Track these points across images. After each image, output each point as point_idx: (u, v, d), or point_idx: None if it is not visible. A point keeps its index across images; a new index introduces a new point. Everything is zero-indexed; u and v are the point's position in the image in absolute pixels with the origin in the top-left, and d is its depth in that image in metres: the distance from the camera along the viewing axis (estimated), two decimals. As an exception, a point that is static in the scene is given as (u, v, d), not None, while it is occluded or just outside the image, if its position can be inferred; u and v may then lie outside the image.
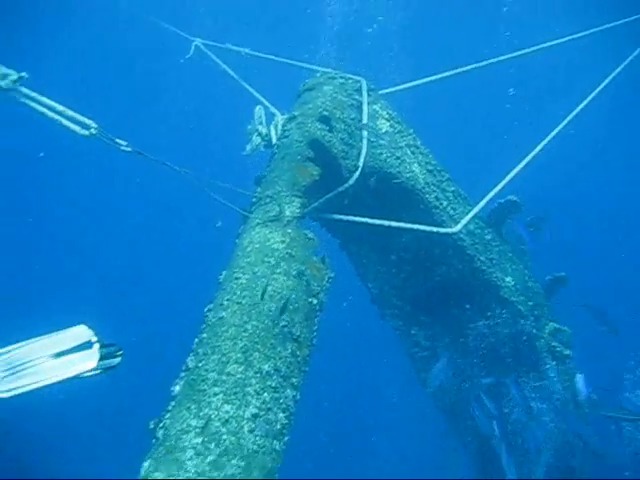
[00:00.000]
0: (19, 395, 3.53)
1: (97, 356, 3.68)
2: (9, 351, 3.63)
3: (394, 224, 5.61)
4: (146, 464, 3.50)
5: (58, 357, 3.60)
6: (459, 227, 5.90)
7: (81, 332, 3.76)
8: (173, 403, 3.81)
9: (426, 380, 6.85)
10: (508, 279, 6.48)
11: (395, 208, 5.97)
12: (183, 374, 3.96)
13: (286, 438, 3.88)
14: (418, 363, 7.04)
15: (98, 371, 4.00)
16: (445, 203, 6.23)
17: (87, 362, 3.65)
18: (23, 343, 3.64)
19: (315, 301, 4.52)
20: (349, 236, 6.48)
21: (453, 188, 6.39)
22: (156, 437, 3.65)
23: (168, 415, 3.74)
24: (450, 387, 6.81)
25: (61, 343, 3.65)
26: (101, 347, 3.85)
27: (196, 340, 4.15)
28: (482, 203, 6.02)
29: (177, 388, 3.89)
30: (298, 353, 4.16)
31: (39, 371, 3.55)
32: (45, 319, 3.93)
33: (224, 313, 4.19)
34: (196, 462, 3.44)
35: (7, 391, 3.50)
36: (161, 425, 3.70)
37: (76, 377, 3.80)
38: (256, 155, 6.06)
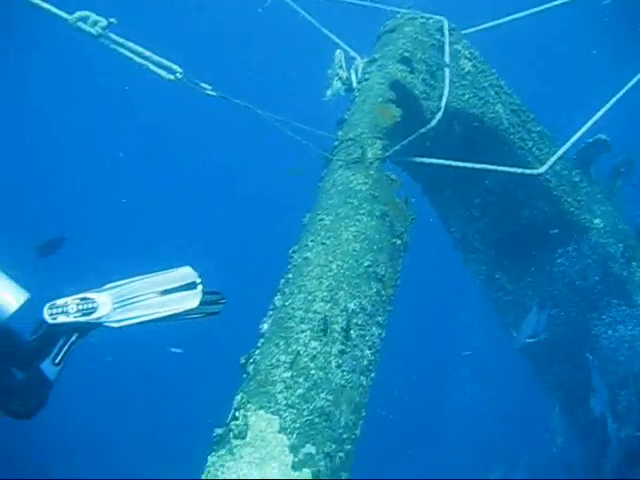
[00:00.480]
0: (127, 327, 3.75)
1: (200, 296, 3.85)
2: (119, 285, 3.86)
3: (477, 166, 5.52)
4: (238, 397, 3.63)
5: (164, 295, 3.79)
6: (545, 168, 5.76)
7: (186, 273, 3.94)
8: (262, 340, 3.92)
9: (515, 333, 6.77)
10: (597, 221, 6.31)
11: (478, 150, 5.87)
12: (271, 312, 4.07)
13: (372, 374, 3.94)
14: (502, 307, 6.99)
15: (200, 315, 4.19)
16: (530, 144, 6.08)
17: (190, 301, 3.84)
18: (132, 279, 3.86)
19: (399, 242, 4.53)
20: (431, 180, 6.42)
21: (539, 129, 6.22)
22: (246, 372, 3.78)
23: (257, 351, 3.86)
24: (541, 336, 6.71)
25: (167, 282, 3.85)
26: (204, 293, 4.03)
27: (282, 280, 4.24)
28: (569, 143, 5.86)
29: (265, 326, 4.00)
30: (383, 292, 4.20)
31: (146, 306, 3.77)
32: (150, 260, 4.10)
33: (309, 254, 4.25)
34: (286, 395, 3.55)
35: (117, 322, 3.74)
36: (251, 361, 3.82)
37: (180, 317, 4.00)
38: (337, 100, 6.05)
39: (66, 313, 3.77)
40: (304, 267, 4.18)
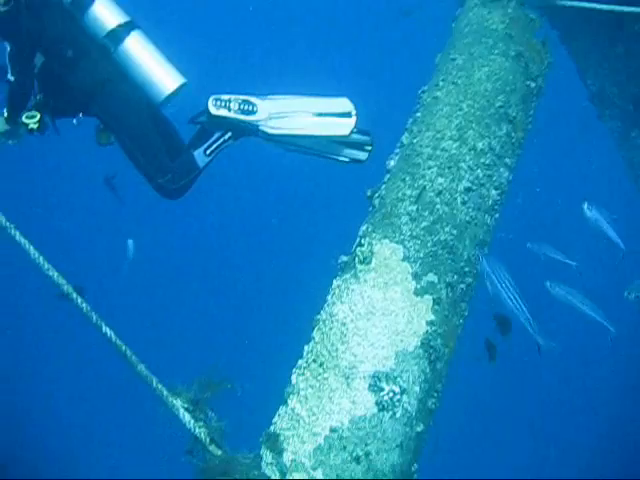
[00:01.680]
0: (279, 136, 3.96)
1: (352, 127, 3.98)
2: (280, 98, 4.05)
3: (626, 9, 5.13)
4: (364, 227, 3.77)
5: (318, 116, 3.95)
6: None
7: (344, 103, 4.07)
8: (388, 176, 3.99)
9: None
10: None
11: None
12: (397, 150, 4.10)
13: (497, 215, 3.96)
14: (637, 167, 6.69)
15: (345, 159, 4.33)
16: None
17: (342, 128, 3.99)
18: (293, 95, 4.03)
19: (533, 84, 4.37)
20: (571, 25, 6.02)
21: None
22: (372, 205, 3.89)
23: (383, 186, 3.95)
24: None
25: (324, 105, 4.01)
26: (357, 129, 4.16)
27: (410, 120, 4.23)
28: None
29: (392, 163, 4.05)
30: (513, 135, 4.12)
31: (300, 122, 3.96)
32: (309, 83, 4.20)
33: (439, 93, 4.19)
34: (411, 227, 3.64)
35: (271, 128, 3.97)
36: (377, 195, 3.92)
37: (327, 153, 4.17)
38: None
39: (228, 108, 4.05)
40: (433, 106, 4.15)
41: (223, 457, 2.75)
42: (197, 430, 2.86)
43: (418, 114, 4.19)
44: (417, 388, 3.22)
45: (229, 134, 4.14)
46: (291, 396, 3.22)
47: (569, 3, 5.23)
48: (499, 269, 3.66)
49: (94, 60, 4.15)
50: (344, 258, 3.69)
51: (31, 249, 2.99)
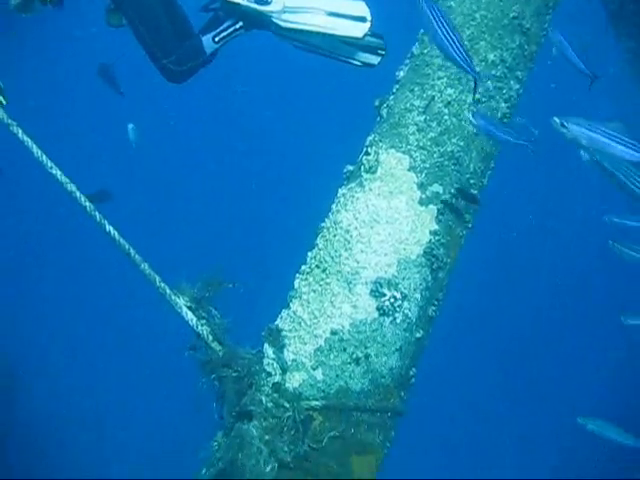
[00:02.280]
0: (291, 31, 3.90)
1: (365, 30, 3.92)
2: None
3: None
4: (370, 137, 3.73)
5: (332, 16, 3.89)
6: None
7: (360, 7, 4.00)
8: (397, 86, 3.93)
9: None
10: None
11: None
12: (407, 61, 4.02)
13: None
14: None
15: (357, 62, 4.27)
16: None
17: (355, 30, 3.94)
18: None
19: (549, -4, 4.25)
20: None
21: None
22: (380, 115, 3.84)
23: (392, 97, 3.89)
24: None
25: (340, 6, 3.93)
26: (370, 32, 4.09)
27: (421, 31, 4.13)
28: None
29: (401, 73, 3.98)
30: (526, 47, 4.01)
31: (314, 18, 3.90)
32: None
33: (452, 2, 4.07)
34: (418, 137, 3.61)
35: (283, 21, 3.93)
36: (385, 105, 3.86)
37: (339, 56, 4.11)
38: None
39: None
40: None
41: (224, 352, 2.81)
42: (199, 328, 2.91)
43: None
44: (418, 295, 3.26)
45: (240, 23, 4.09)
46: (293, 300, 3.27)
47: None
48: (435, 10, 3.50)
49: None
50: (350, 167, 3.68)
51: (34, 148, 2.99)
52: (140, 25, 4.11)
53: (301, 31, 3.96)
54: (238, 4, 4.02)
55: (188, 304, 2.95)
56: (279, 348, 2.97)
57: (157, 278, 2.98)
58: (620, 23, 6.25)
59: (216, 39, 4.16)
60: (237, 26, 4.12)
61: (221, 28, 4.13)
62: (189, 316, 2.91)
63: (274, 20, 4.02)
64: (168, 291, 2.97)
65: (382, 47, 4.27)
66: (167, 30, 4.13)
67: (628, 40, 6.31)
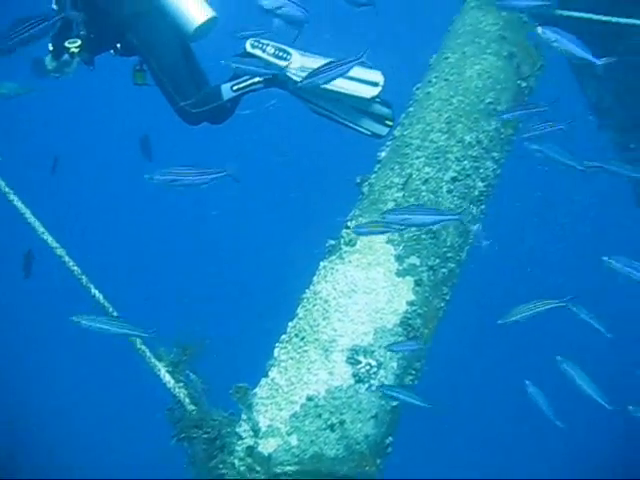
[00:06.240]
0: (305, 88, 4.10)
1: (375, 93, 4.17)
2: (314, 56, 4.37)
3: (622, 20, 5.27)
4: (352, 212, 3.89)
5: (347, 78, 4.18)
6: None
7: (375, 74, 4.27)
8: (378, 165, 4.12)
9: None
10: None
11: (623, 4, 5.55)
12: (389, 142, 4.23)
13: (483, 206, 4.06)
14: (636, 183, 6.79)
15: (366, 131, 4.48)
16: (684, -2, 5.65)
17: (366, 91, 4.19)
18: (328, 58, 4.20)
19: (524, 84, 4.49)
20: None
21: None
22: (362, 192, 4.01)
23: (374, 175, 4.07)
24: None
25: (355, 71, 4.21)
26: (381, 102, 4.33)
27: (402, 115, 4.36)
28: None
29: (383, 154, 4.18)
30: (502, 130, 4.22)
31: (327, 77, 4.11)
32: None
33: (431, 89, 4.32)
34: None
35: (298, 76, 4.22)
36: (367, 183, 4.04)
37: (350, 122, 4.33)
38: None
39: (263, 50, 4.35)
40: (425, 101, 4.27)
41: (197, 413, 2.86)
42: (177, 390, 2.97)
43: (411, 109, 4.32)
44: (394, 364, 3.32)
45: (260, 78, 4.37)
46: (272, 368, 3.33)
47: (566, 13, 5.37)
48: None
49: None
50: (332, 242, 3.81)
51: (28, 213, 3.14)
52: (162, 74, 4.44)
53: (316, 90, 4.19)
54: (258, 57, 4.32)
55: (167, 367, 3.02)
56: (251, 410, 3.01)
57: (138, 341, 3.07)
58: (602, 114, 6.52)
59: (234, 88, 4.45)
60: (256, 80, 4.40)
61: (241, 79, 4.41)
62: (167, 378, 2.98)
63: (290, 75, 4.27)
64: (148, 354, 3.05)
65: (390, 118, 4.49)
66: (186, 77, 4.48)
67: (610, 131, 6.56)
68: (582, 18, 5.32)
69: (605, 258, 3.64)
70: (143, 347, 3.03)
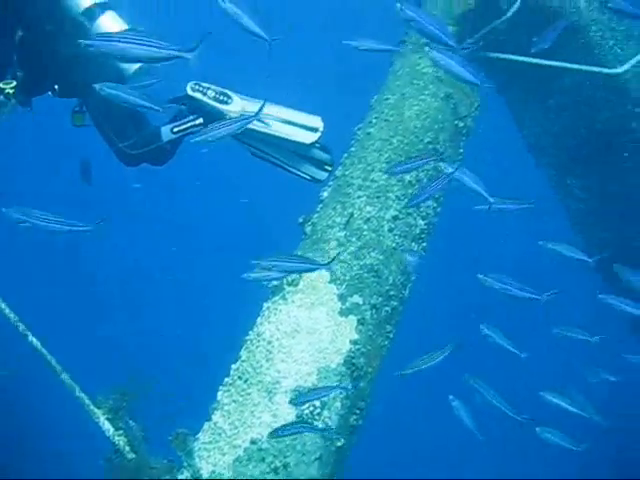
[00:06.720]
0: (248, 133, 4.10)
1: (314, 139, 4.18)
2: (256, 100, 4.31)
3: (553, 63, 5.48)
4: (295, 252, 3.90)
5: (286, 123, 4.15)
6: (625, 67, 5.64)
7: (315, 120, 4.28)
8: (321, 205, 4.15)
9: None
10: (676, 127, 6.13)
11: (556, 47, 5.76)
12: (331, 182, 4.28)
13: (424, 244, 4.12)
14: (573, 215, 6.97)
15: (305, 175, 4.49)
16: (611, 42, 5.92)
17: (304, 137, 4.20)
18: (269, 102, 4.20)
19: (461, 124, 4.62)
20: (505, 77, 6.35)
21: (623, 27, 6.03)
22: (304, 232, 4.04)
23: (316, 215, 4.10)
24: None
25: (295, 116, 4.22)
26: (320, 147, 4.35)
27: (344, 155, 4.42)
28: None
29: (325, 194, 4.22)
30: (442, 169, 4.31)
31: (267, 122, 4.14)
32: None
33: (371, 129, 4.41)
34: (338, 251, 3.79)
35: (236, 112, 4.17)
36: (309, 222, 4.06)
37: (288, 165, 4.34)
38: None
39: (204, 94, 4.30)
40: (366, 141, 4.35)
41: (134, 461, 2.79)
42: (116, 438, 2.90)
43: (352, 149, 4.39)
44: (338, 404, 3.31)
45: (201, 120, 4.34)
46: (215, 412, 3.28)
47: (502, 55, 5.56)
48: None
49: (71, 35, 4.35)
50: (275, 282, 3.80)
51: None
52: (100, 116, 4.39)
53: (255, 133, 4.19)
54: (199, 100, 4.30)
55: (106, 414, 2.95)
56: (192, 456, 2.96)
57: (77, 388, 2.99)
58: (539, 153, 6.71)
59: (174, 130, 4.41)
60: (197, 122, 4.38)
61: (182, 121, 4.39)
62: (106, 426, 2.91)
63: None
64: (87, 401, 2.97)
65: (330, 163, 4.52)
66: (125, 118, 4.41)
67: (548, 168, 6.76)
68: (514, 60, 5.54)
69: (480, 275, 3.68)
70: (82, 395, 2.95)
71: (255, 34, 3.52)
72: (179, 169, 5.08)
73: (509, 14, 5.31)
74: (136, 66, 4.46)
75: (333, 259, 3.58)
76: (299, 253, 3.87)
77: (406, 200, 4.02)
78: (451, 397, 4.88)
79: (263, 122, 4.16)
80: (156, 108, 3.57)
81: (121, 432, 2.91)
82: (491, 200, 3.56)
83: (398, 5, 3.40)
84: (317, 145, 4.33)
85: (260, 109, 3.46)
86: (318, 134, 4.30)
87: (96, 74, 4.37)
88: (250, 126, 4.16)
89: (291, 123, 4.23)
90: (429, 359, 3.67)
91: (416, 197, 3.57)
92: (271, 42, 3.30)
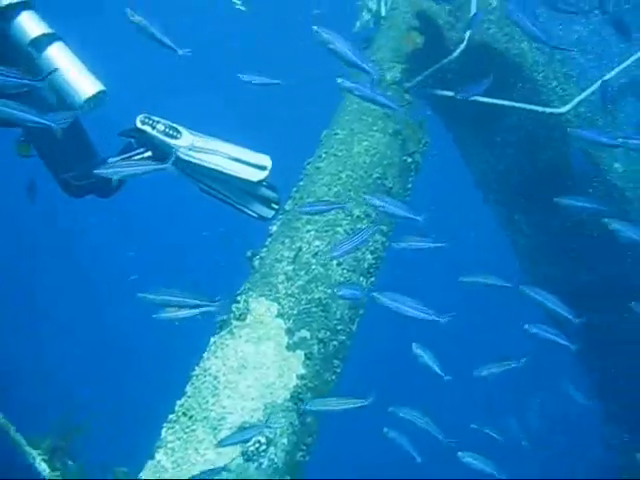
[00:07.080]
0: (192, 166, 4.15)
1: (261, 177, 4.18)
2: (206, 137, 4.24)
3: (498, 102, 5.61)
4: (243, 287, 3.86)
5: (234, 160, 4.17)
6: (568, 107, 5.81)
7: (263, 158, 4.27)
8: (270, 239, 4.14)
9: None
10: (617, 165, 6.33)
11: (501, 87, 5.92)
12: (280, 216, 4.27)
13: (372, 279, 4.13)
14: (520, 250, 7.10)
15: (252, 213, 4.46)
16: (555, 83, 6.10)
17: (251, 174, 4.19)
18: (216, 140, 4.17)
19: (410, 160, 4.68)
20: (452, 114, 6.49)
21: (564, 70, 6.24)
22: (252, 266, 4.01)
23: (264, 249, 4.08)
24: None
25: (243, 154, 4.20)
26: (266, 182, 4.35)
27: (294, 189, 4.43)
28: (596, 85, 5.88)
29: (274, 228, 4.21)
30: (389, 204, 4.35)
31: (215, 159, 4.16)
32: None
33: (321, 164, 4.43)
34: (286, 285, 3.77)
35: (187, 155, 4.12)
36: (258, 257, 4.04)
37: (235, 202, 4.32)
38: (365, 32, 6.12)
39: (153, 127, 4.25)
40: (315, 175, 4.37)
41: (74, 501, 2.69)
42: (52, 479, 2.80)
43: (301, 183, 4.40)
44: (285, 440, 3.26)
45: (149, 153, 4.28)
46: (159, 449, 3.20)
47: (449, 93, 5.67)
48: None
49: (18, 66, 4.26)
50: (223, 317, 3.75)
51: None
52: (45, 146, 4.31)
53: (202, 168, 4.17)
54: (147, 133, 4.26)
55: (42, 455, 2.84)
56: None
57: (12, 428, 2.89)
58: (486, 189, 6.86)
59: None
60: (145, 155, 4.32)
61: (129, 154, 4.33)
62: (42, 467, 2.80)
63: (179, 154, 4.23)
64: (22, 442, 2.87)
65: (277, 201, 4.50)
66: (70, 151, 4.34)
67: (495, 205, 6.89)
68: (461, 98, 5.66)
69: (375, 294, 3.71)
70: (17, 435, 2.85)
71: (167, 46, 3.61)
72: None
73: (456, 54, 5.44)
74: (84, 98, 4.41)
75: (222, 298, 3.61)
76: (245, 287, 3.84)
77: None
78: (385, 429, 4.91)
79: (174, 172, 4.20)
80: (49, 124, 3.55)
81: (58, 473, 2.81)
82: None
83: (314, 28, 3.45)
84: (264, 183, 4.30)
85: (171, 158, 3.56)
86: (266, 172, 4.28)
87: (41, 104, 4.31)
88: (199, 162, 4.19)
89: (239, 160, 4.22)
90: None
91: (336, 249, 3.62)
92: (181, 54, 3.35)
